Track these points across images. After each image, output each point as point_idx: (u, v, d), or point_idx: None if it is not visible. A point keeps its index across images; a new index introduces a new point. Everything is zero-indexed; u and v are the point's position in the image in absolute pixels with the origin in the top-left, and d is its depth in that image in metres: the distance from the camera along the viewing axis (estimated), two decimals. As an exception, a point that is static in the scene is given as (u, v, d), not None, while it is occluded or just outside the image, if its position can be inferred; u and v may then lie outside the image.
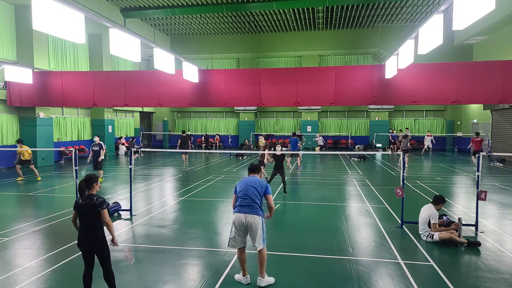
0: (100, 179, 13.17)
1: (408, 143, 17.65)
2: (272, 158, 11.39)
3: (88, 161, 13.80)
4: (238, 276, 5.07)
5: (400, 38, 17.86)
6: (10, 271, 5.35)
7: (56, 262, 5.65)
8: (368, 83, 14.23)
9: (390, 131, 27.67)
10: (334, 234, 7.08)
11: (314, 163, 19.90)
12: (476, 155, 7.77)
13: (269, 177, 11.39)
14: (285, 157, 11.27)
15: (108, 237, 4.42)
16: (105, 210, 4.28)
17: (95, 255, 4.38)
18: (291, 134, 18.97)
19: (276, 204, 5.22)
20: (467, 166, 17.61)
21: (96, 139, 13.25)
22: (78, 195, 4.40)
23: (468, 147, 18.71)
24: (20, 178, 13.44)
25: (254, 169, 5.41)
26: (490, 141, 21.11)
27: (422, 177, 14.40)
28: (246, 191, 4.96)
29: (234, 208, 5.02)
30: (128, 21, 21.43)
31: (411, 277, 5.13)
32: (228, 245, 4.98)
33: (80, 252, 4.42)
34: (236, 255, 5.16)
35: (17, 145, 13.66)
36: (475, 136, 17.27)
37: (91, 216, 4.24)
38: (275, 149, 11.23)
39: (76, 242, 4.37)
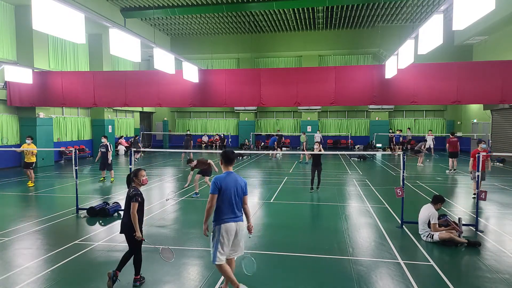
0: (101, 179, 13.24)
1: (423, 146, 18.16)
2: (310, 155, 11.88)
3: (96, 160, 13.98)
4: None
5: (400, 38, 17.87)
6: (10, 271, 5.35)
7: (56, 262, 5.65)
8: (368, 83, 14.23)
9: (390, 131, 27.66)
10: (334, 234, 7.08)
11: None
12: (476, 156, 7.74)
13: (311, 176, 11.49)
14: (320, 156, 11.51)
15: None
16: (135, 204, 4.73)
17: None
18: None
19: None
20: (467, 166, 17.58)
21: (104, 140, 13.26)
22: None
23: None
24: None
25: (233, 159, 4.61)
26: (490, 141, 21.09)
27: (422, 177, 14.40)
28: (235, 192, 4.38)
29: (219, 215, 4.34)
30: (128, 21, 21.44)
31: (411, 277, 5.13)
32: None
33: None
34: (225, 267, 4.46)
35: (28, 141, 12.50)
36: (450, 136, 15.97)
37: (127, 205, 4.78)
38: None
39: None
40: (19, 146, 17.18)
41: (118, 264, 4.82)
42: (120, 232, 4.88)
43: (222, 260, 4.31)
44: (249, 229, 4.58)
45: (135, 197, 4.73)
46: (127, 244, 4.87)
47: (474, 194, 9.90)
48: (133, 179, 4.90)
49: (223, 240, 4.27)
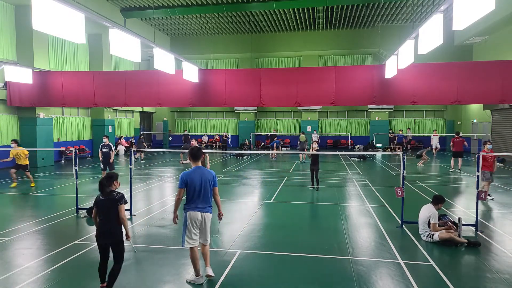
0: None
1: (424, 151, 18.37)
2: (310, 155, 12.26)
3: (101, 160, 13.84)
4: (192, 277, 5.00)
5: (400, 38, 17.88)
6: (10, 271, 5.35)
7: (56, 262, 5.65)
8: (368, 83, 14.23)
9: (390, 131, 27.66)
10: (334, 234, 7.08)
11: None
12: (477, 155, 7.73)
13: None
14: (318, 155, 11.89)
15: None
16: (123, 206, 4.59)
17: (111, 249, 4.60)
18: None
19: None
20: (467, 166, 17.60)
21: (105, 140, 13.17)
22: (100, 192, 4.63)
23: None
24: (14, 185, 12.22)
25: (199, 156, 4.97)
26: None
27: (422, 177, 14.40)
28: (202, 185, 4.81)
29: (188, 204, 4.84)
30: (128, 21, 21.43)
31: (411, 277, 5.13)
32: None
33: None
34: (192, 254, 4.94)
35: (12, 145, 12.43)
36: (455, 136, 15.99)
37: (111, 211, 4.52)
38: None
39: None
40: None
41: (100, 278, 4.64)
42: (108, 244, 4.55)
43: (190, 244, 4.81)
44: (219, 216, 5.13)
45: (123, 199, 4.59)
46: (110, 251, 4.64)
47: (489, 195, 10.02)
48: (112, 183, 4.63)
49: (189, 226, 4.79)
